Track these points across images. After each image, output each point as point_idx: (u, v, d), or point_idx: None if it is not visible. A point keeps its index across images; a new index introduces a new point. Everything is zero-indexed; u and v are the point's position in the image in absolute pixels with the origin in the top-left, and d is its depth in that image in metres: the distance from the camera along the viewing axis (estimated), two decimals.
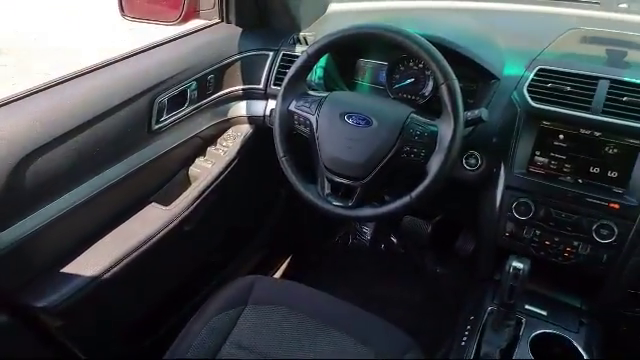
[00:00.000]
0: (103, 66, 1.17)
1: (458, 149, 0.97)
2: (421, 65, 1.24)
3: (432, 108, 1.20)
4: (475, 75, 1.17)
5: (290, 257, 1.88)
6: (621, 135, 1.00)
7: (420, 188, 0.99)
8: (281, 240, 1.82)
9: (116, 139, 1.13)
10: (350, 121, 1.03)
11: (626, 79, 1.04)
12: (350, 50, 1.32)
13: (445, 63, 0.96)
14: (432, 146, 0.98)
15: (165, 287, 1.34)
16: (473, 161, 1.14)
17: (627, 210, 0.99)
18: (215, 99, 1.40)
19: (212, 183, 1.32)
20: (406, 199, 1.00)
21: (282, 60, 1.40)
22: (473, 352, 0.97)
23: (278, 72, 1.40)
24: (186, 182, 1.35)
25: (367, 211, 1.05)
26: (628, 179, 1.00)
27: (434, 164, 0.97)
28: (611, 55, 1.17)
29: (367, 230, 1.99)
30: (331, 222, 2.05)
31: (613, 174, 1.02)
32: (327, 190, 1.09)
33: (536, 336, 0.99)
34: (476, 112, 1.01)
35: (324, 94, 1.10)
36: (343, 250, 2.00)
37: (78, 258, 1.07)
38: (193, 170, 1.37)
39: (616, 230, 1.01)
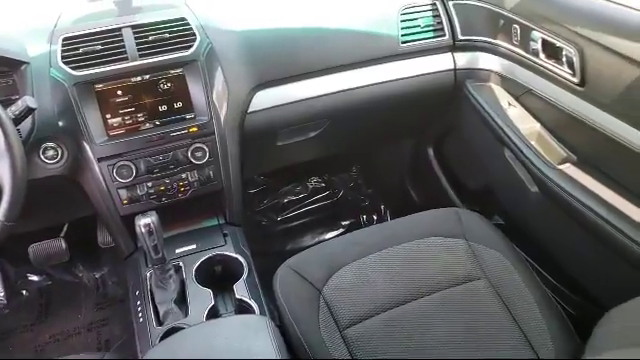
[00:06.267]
0: None
1: (20, 147, 0.86)
2: None
3: None
4: (2, 69, 1.04)
5: None
6: (163, 70, 1.09)
7: (3, 206, 0.85)
8: None
9: None
10: None
11: (144, 21, 1.12)
12: None
13: None
14: None
15: None
16: (52, 152, 1.05)
17: (204, 128, 1.12)
18: None
19: None
20: None
21: None
22: (154, 319, 0.96)
23: None
24: None
25: None
26: (191, 103, 1.12)
27: (4, 173, 0.85)
28: (124, 4, 1.22)
29: None
30: None
31: (179, 104, 1.12)
32: None
33: (196, 269, 1.05)
34: (19, 103, 0.91)
35: None
36: None
37: None
38: None
39: (206, 148, 1.13)
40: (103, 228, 1.54)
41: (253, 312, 0.96)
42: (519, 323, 0.94)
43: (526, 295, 0.97)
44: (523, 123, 1.21)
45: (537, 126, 1.20)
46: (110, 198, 1.10)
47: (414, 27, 1.31)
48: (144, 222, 0.93)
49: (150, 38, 1.09)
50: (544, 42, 1.13)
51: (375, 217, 1.89)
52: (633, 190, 0.99)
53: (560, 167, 1.10)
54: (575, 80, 1.05)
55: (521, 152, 1.16)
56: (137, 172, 1.09)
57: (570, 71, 1.06)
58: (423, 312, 0.95)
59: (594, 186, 1.03)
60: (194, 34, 1.12)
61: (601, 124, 1.01)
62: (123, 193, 1.10)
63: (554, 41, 1.09)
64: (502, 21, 1.25)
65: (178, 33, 1.11)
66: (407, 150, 1.77)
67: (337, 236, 1.85)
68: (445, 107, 1.46)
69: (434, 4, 1.34)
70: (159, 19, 1.13)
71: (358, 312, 0.95)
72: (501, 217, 1.49)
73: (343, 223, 1.89)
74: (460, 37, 1.34)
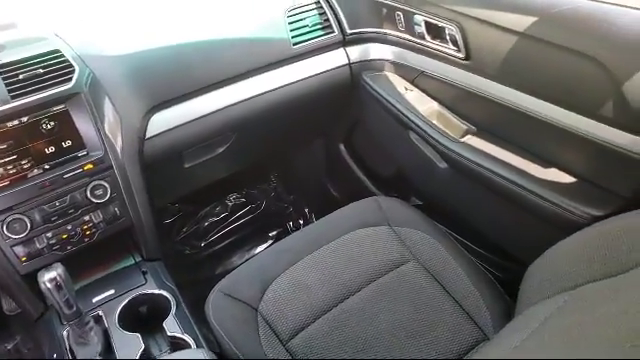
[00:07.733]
0: None
1: None
2: None
3: None
4: None
5: None
6: (43, 109, 0.99)
7: None
8: None
9: None
10: None
11: (10, 59, 1.01)
12: None
13: None
14: None
15: None
16: None
17: (101, 163, 1.04)
18: None
19: None
20: None
21: None
22: None
23: None
24: None
25: None
26: (81, 139, 1.03)
27: None
28: None
29: None
30: None
31: (68, 143, 1.02)
32: None
33: (119, 315, 0.97)
34: None
35: None
36: None
37: None
38: None
39: (106, 184, 1.05)
40: (4, 293, 1.38)
41: (189, 347, 0.90)
42: (453, 295, 0.96)
43: (455, 268, 1.00)
44: (422, 104, 1.25)
45: (435, 105, 1.25)
46: (5, 258, 0.98)
47: (302, 27, 1.31)
48: (48, 277, 0.84)
49: (21, 77, 0.99)
50: (427, 24, 1.17)
51: (302, 222, 1.88)
52: (530, 150, 1.05)
53: (463, 140, 1.15)
54: (461, 55, 1.10)
55: (425, 132, 1.20)
56: (32, 224, 0.99)
57: (455, 48, 1.11)
58: (363, 305, 0.94)
59: (497, 152, 1.08)
60: (71, 65, 1.03)
61: (490, 93, 1.06)
62: (19, 250, 0.99)
63: (436, 22, 1.13)
64: (385, 10, 1.29)
65: (53, 67, 1.02)
66: (320, 150, 1.77)
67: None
68: (347, 102, 1.48)
69: (318, 2, 1.35)
70: (28, 54, 1.03)
71: (299, 321, 0.93)
72: (418, 198, 1.54)
73: (270, 234, 1.85)
74: (349, 31, 1.36)
